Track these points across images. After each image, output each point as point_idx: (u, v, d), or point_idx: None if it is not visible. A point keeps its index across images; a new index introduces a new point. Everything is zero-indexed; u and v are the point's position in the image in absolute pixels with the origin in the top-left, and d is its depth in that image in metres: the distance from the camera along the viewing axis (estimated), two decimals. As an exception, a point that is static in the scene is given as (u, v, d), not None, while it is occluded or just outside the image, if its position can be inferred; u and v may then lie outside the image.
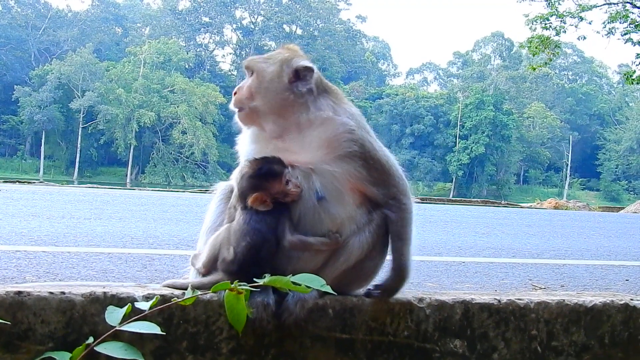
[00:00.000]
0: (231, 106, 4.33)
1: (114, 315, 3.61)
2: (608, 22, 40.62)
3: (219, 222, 4.31)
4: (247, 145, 4.38)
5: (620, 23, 40.60)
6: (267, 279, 3.65)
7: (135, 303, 3.70)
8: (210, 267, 4.11)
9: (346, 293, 4.27)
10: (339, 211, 4.11)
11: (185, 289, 3.84)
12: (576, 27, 40.27)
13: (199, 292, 3.79)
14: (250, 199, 4.02)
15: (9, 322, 3.57)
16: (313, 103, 4.20)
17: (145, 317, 3.61)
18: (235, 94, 4.31)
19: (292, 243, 4.02)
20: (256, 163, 4.11)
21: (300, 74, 4.23)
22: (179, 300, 3.75)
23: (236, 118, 4.36)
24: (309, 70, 4.25)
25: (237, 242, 3.97)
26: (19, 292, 3.67)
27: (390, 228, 4.27)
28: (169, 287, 4.14)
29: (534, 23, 40.14)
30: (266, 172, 4.03)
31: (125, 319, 3.58)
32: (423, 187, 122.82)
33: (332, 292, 3.71)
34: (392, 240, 4.30)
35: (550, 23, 39.90)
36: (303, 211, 4.09)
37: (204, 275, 4.15)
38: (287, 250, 4.03)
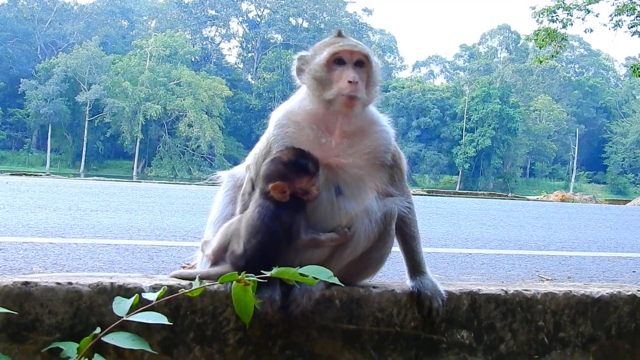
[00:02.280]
0: (344, 94, 4.06)
1: (121, 306, 3.62)
2: (615, 15, 40.43)
3: (226, 213, 4.31)
4: (293, 128, 4.25)
5: (627, 15, 40.42)
6: (274, 270, 3.64)
7: (143, 294, 3.70)
8: (219, 255, 4.10)
9: (353, 284, 4.27)
10: (354, 206, 4.13)
11: (193, 280, 3.84)
12: (583, 19, 40.10)
13: (206, 283, 3.79)
14: (272, 185, 3.98)
15: (16, 313, 3.57)
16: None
17: (153, 308, 3.61)
18: (351, 82, 4.04)
19: (304, 242, 4.01)
20: (293, 153, 4.06)
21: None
22: (186, 291, 3.75)
23: (339, 102, 4.09)
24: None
25: (247, 238, 3.95)
26: (26, 283, 3.68)
27: (403, 229, 4.37)
28: (176, 277, 4.13)
29: (541, 16, 39.98)
30: (301, 166, 4.00)
31: (133, 309, 3.59)
32: (429, 180, 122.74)
33: (339, 283, 3.71)
34: (405, 240, 4.38)
35: (557, 15, 39.74)
36: (319, 205, 4.09)
37: (213, 262, 4.14)
38: (296, 244, 4.03)
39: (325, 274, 3.64)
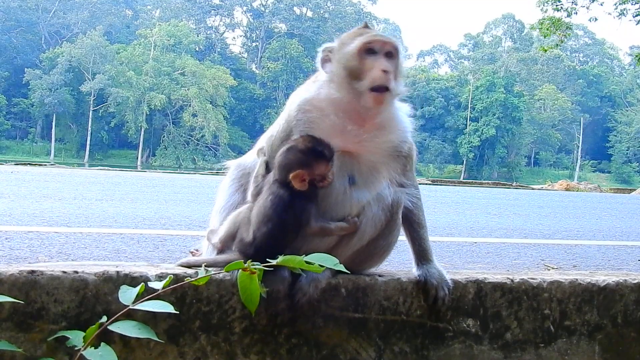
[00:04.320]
0: (378, 83, 4.03)
1: (127, 295, 3.61)
2: (620, 4, 40.34)
3: (232, 201, 4.31)
4: (316, 114, 4.20)
5: (632, 4, 40.34)
6: (280, 258, 3.63)
7: (149, 282, 3.70)
8: (226, 243, 4.09)
9: (359, 272, 4.27)
10: (366, 196, 4.13)
11: (199, 268, 3.84)
12: (587, 8, 40.00)
13: (212, 272, 3.79)
14: (293, 174, 3.97)
15: (22, 302, 3.58)
16: None
17: (159, 297, 3.61)
18: (385, 71, 4.05)
19: (314, 230, 4.01)
20: (309, 140, 4.04)
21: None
22: (192, 279, 3.75)
23: (369, 98, 4.06)
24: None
25: (258, 226, 3.94)
26: (32, 272, 3.68)
27: (410, 217, 4.37)
28: (183, 266, 4.12)
29: (545, 5, 39.87)
30: (319, 152, 3.99)
31: (139, 298, 3.59)
32: (434, 170, 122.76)
33: (345, 271, 3.71)
34: (413, 228, 4.39)
35: (562, 4, 39.64)
36: (331, 193, 4.09)
37: (219, 250, 4.14)
38: (305, 232, 4.04)
39: (331, 262, 3.63)
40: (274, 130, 4.33)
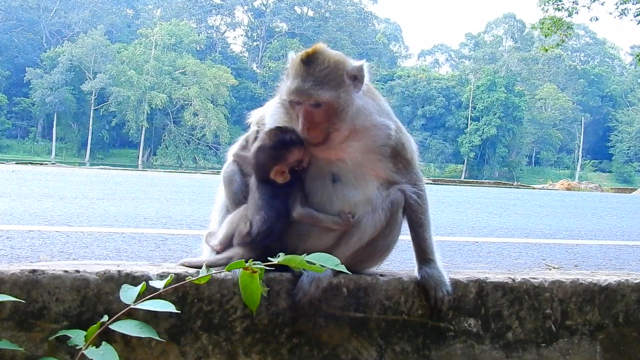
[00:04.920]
0: (306, 138, 4.01)
1: (128, 294, 3.62)
2: (620, 3, 40.32)
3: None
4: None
5: (633, 4, 40.31)
6: (282, 257, 3.63)
7: (150, 282, 3.70)
8: (226, 245, 4.10)
9: (359, 272, 4.26)
10: (354, 194, 4.11)
11: (200, 268, 3.84)
12: (588, 8, 39.98)
13: (213, 271, 3.79)
14: (273, 173, 4.03)
15: (23, 301, 3.57)
16: (362, 105, 4.13)
17: (160, 296, 3.62)
18: (309, 130, 3.98)
19: (301, 215, 4.03)
20: (275, 133, 4.08)
21: (358, 76, 4.09)
22: (194, 278, 3.76)
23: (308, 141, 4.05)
24: (363, 68, 4.11)
25: (252, 216, 4.01)
26: (34, 271, 3.68)
27: (410, 216, 4.33)
28: (184, 265, 4.12)
29: (546, 4, 39.85)
30: (288, 141, 4.01)
31: (140, 297, 3.59)
32: (434, 169, 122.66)
33: (346, 271, 3.70)
34: (412, 227, 4.37)
35: (563, 4, 39.61)
36: (315, 189, 4.09)
37: (219, 252, 4.14)
38: (300, 227, 4.04)
39: (332, 262, 3.63)
40: (264, 112, 4.37)
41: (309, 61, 3.99)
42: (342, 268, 3.64)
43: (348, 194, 4.10)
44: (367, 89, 4.19)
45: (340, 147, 4.08)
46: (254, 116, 4.44)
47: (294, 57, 4.09)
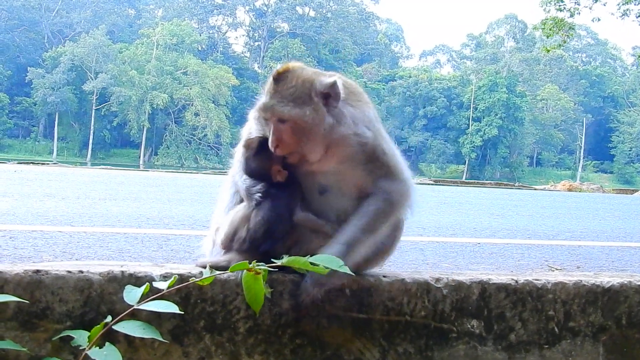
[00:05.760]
0: (277, 153, 4.02)
1: (132, 294, 3.62)
2: (622, 4, 40.34)
3: (234, 201, 4.30)
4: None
5: (635, 5, 40.33)
6: (285, 259, 3.64)
7: (153, 282, 3.70)
8: (228, 244, 4.10)
9: (359, 273, 4.25)
10: (344, 203, 4.10)
11: (204, 268, 3.85)
12: (590, 8, 40.02)
13: (217, 272, 3.79)
14: (273, 173, 4.07)
15: (27, 301, 3.58)
16: (338, 117, 4.06)
17: (163, 296, 3.62)
18: (277, 147, 3.99)
19: (301, 219, 4.04)
20: (253, 140, 4.15)
21: (331, 93, 4.04)
22: (197, 279, 3.76)
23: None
24: (335, 85, 4.05)
25: (253, 218, 4.01)
26: (37, 271, 3.68)
27: (369, 207, 4.14)
28: (199, 266, 4.10)
29: (548, 5, 39.88)
30: (267, 140, 4.04)
31: (143, 298, 3.59)
32: (436, 170, 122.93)
33: (350, 272, 3.69)
34: (354, 215, 4.14)
35: (564, 5, 39.63)
36: (308, 200, 4.11)
37: (223, 248, 4.15)
38: (300, 232, 4.04)
39: (336, 263, 3.62)
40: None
41: (279, 79, 4.06)
42: (346, 269, 3.63)
43: (337, 203, 4.10)
44: (350, 95, 4.17)
45: (319, 161, 4.07)
46: (243, 134, 4.42)
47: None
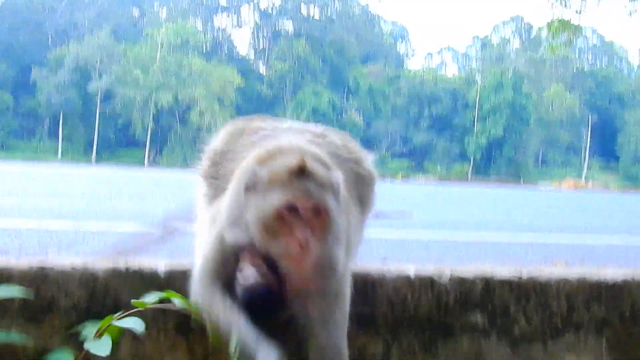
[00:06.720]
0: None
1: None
2: (630, 2, 40.26)
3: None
4: None
5: (641, 4, 40.23)
6: None
7: (158, 277, 3.72)
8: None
9: None
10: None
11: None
12: (596, 9, 39.94)
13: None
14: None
15: (32, 296, 3.60)
16: None
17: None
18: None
19: None
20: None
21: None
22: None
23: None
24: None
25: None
26: (43, 266, 3.70)
27: None
28: None
29: (554, 5, 39.77)
30: None
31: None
32: (441, 169, 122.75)
33: None
34: None
35: (571, 4, 39.53)
36: None
37: None
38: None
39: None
40: None
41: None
42: None
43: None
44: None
45: None
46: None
47: None
